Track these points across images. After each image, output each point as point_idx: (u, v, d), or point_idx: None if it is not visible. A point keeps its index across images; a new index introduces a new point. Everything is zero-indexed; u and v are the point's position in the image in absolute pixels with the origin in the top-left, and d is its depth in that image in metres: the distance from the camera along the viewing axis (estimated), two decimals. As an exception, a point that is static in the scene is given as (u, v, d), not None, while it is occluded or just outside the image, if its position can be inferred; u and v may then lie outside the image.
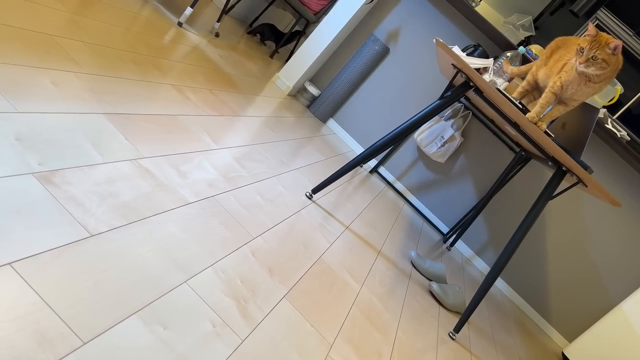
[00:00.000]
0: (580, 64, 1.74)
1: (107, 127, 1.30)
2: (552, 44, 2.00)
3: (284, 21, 5.43)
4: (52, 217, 0.90)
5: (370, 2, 3.24)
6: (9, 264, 0.76)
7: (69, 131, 1.15)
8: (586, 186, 1.97)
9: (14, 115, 1.05)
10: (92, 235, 0.94)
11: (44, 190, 0.94)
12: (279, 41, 4.25)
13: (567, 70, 1.82)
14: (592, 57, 1.71)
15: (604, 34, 1.72)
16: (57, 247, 0.85)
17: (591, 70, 1.73)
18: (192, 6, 2.67)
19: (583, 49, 1.72)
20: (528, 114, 1.88)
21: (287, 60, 4.32)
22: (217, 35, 3.17)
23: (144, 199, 1.16)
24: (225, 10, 3.06)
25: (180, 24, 2.69)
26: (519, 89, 2.10)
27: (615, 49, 1.69)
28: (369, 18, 3.43)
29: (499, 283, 3.43)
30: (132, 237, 1.02)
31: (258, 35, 4.29)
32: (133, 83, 1.64)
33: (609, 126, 2.97)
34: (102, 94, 1.43)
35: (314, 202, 2.03)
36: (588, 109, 2.15)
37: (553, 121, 2.36)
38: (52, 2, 1.68)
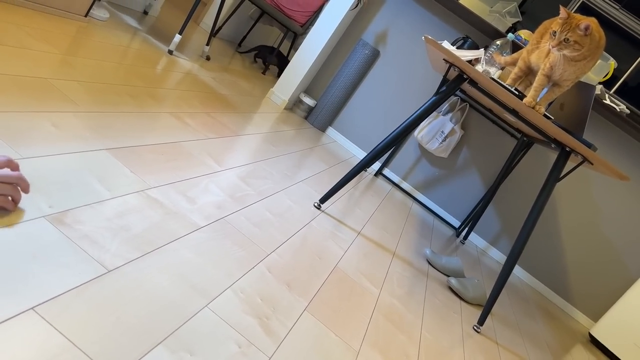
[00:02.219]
0: (553, 47, 1.76)
1: (111, 162, 1.31)
2: (541, 27, 2.01)
3: (272, 36, 5.47)
4: (68, 257, 0.91)
5: (355, 7, 3.26)
6: (32, 308, 0.77)
7: (74, 170, 1.17)
8: (592, 164, 1.97)
9: (20, 161, 1.07)
10: (109, 271, 0.95)
11: (57, 232, 0.95)
12: (282, 63, 4.23)
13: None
14: (564, 39, 1.72)
15: (577, 15, 1.73)
16: (76, 286, 0.86)
17: (566, 52, 1.75)
18: (180, 33, 2.70)
19: (555, 32, 1.74)
20: (525, 99, 1.88)
21: (279, 75, 4.35)
22: (207, 58, 3.19)
23: (156, 228, 1.17)
24: (213, 33, 3.09)
25: (170, 52, 2.72)
26: (512, 75, 2.11)
27: (586, 29, 1.70)
28: (355, 23, 3.46)
29: (517, 271, 3.41)
30: (149, 268, 1.03)
31: (260, 60, 4.28)
32: (131, 115, 1.66)
33: (607, 102, 2.96)
34: (103, 130, 1.44)
35: (323, 211, 2.03)
36: (584, 87, 2.15)
37: (551, 103, 2.36)
38: (44, 46, 1.70)
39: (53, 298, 0.81)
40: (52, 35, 1.85)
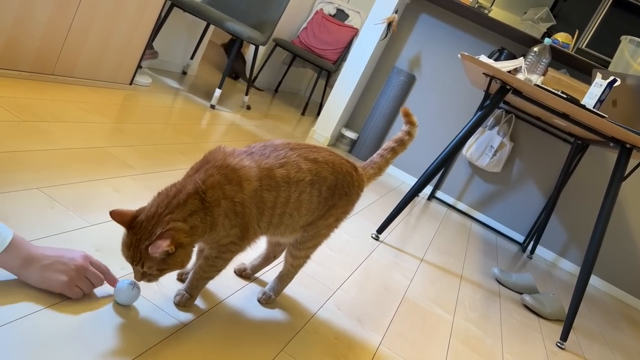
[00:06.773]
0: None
1: (172, 218, 1.34)
2: None
3: (306, 77, 5.58)
4: (153, 313, 0.92)
5: (385, 37, 3.29)
6: (136, 357, 0.78)
7: (139, 231, 1.20)
8: (658, 157, 1.88)
9: (89, 228, 1.11)
10: (185, 325, 0.95)
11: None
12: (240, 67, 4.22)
13: None
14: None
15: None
16: (170, 334, 0.87)
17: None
18: (219, 87, 2.79)
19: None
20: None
21: (318, 113, 4.40)
22: (248, 107, 3.27)
23: (223, 277, 1.18)
24: (251, 83, 3.18)
25: (212, 107, 2.80)
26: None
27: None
28: (387, 52, 3.48)
29: (593, 280, 3.24)
30: (220, 320, 1.03)
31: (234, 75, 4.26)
32: (185, 172, 1.70)
33: (661, 91, 2.83)
34: (160, 188, 1.48)
35: (382, 242, 2.01)
36: (636, 80, 2.07)
37: (602, 101, 2.28)
38: (97, 117, 1.79)
39: (150, 349, 0.82)
40: (103, 107, 1.94)
